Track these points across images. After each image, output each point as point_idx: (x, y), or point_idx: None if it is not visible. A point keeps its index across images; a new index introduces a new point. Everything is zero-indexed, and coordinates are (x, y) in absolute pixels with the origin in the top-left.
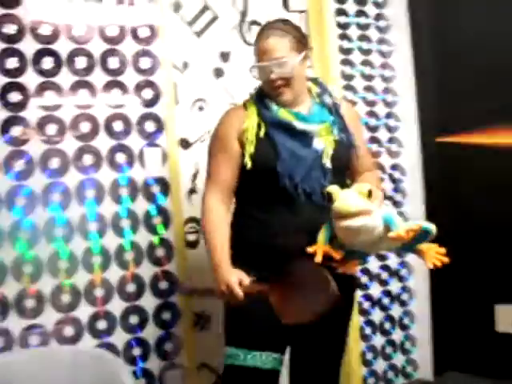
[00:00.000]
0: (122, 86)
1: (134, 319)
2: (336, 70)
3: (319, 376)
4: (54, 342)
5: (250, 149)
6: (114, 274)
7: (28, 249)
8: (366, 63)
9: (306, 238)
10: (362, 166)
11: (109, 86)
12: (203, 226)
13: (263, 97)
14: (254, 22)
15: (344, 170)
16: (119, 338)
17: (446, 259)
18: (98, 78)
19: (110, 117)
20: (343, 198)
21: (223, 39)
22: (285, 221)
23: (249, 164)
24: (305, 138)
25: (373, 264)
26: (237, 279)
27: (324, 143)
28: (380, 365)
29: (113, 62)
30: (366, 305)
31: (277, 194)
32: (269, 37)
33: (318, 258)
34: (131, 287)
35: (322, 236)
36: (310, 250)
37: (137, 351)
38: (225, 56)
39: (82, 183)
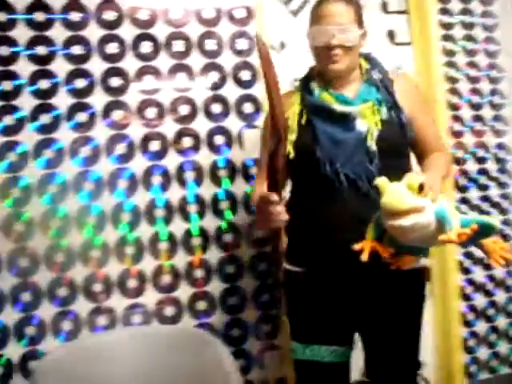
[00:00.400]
0: (219, 68)
1: (233, 300)
2: (437, 46)
3: (390, 365)
4: (154, 322)
5: (292, 137)
6: (214, 255)
7: (130, 230)
8: (468, 38)
9: (352, 229)
10: (429, 146)
11: (206, 68)
12: None
13: (309, 81)
14: None
15: (395, 151)
16: (218, 318)
17: (509, 256)
18: (196, 60)
19: (208, 99)
20: (392, 194)
21: None
22: (329, 211)
23: (291, 153)
24: (346, 120)
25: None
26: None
27: (368, 124)
28: (483, 352)
29: (209, 45)
30: (469, 290)
31: (320, 182)
32: (333, 2)
33: (365, 256)
34: (230, 268)
35: (370, 231)
36: (356, 247)
37: (236, 332)
38: None
39: (182, 165)
